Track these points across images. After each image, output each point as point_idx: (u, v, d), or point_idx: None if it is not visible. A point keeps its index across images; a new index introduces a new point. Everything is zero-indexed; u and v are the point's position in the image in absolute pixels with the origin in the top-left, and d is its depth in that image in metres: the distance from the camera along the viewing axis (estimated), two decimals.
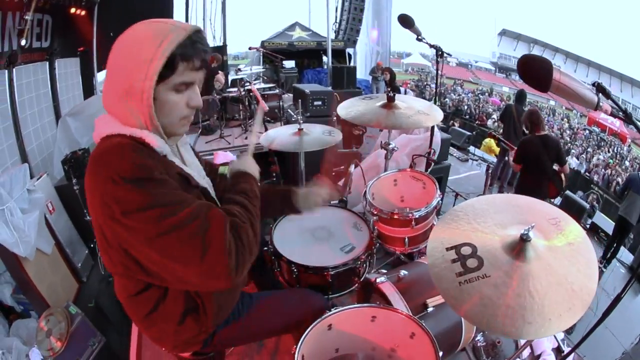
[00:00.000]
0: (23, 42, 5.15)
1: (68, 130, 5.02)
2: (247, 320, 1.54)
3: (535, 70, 1.08)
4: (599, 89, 1.06)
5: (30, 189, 3.55)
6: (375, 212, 2.25)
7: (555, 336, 2.41)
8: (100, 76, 7.82)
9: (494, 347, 2.39)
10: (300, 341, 1.42)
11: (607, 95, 1.07)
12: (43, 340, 2.77)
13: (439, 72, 2.77)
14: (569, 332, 3.67)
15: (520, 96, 6.71)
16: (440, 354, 1.59)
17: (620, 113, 1.08)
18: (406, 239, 2.27)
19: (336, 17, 15.75)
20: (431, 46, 2.54)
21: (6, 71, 4.94)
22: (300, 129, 2.60)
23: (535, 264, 1.23)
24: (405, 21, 2.40)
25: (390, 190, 2.60)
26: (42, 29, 5.78)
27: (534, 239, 1.26)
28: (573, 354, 2.38)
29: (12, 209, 3.18)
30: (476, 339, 2.04)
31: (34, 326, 2.98)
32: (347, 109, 2.45)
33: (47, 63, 6.17)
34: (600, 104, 1.07)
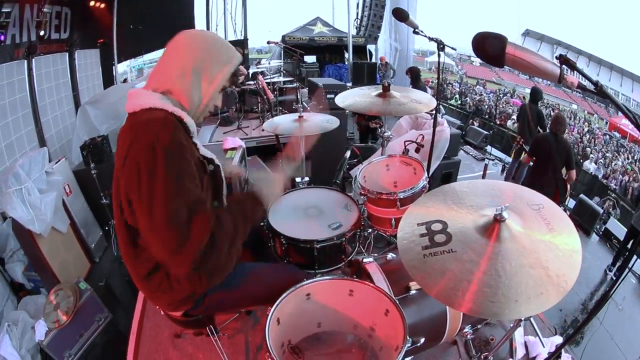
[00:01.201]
0: (42, 33, 5.33)
1: (87, 118, 5.19)
2: (237, 287, 1.66)
3: (488, 46, 1.07)
4: (563, 60, 1.02)
5: (49, 171, 3.72)
6: (362, 193, 2.33)
7: (541, 339, 2.38)
8: (121, 67, 8.02)
9: (486, 344, 2.38)
10: (276, 304, 1.51)
11: (572, 67, 1.03)
12: (50, 313, 2.90)
13: (441, 65, 2.78)
14: (571, 343, 3.64)
15: (535, 95, 6.61)
16: (422, 339, 1.64)
17: (590, 85, 1.02)
18: (393, 220, 2.33)
19: (357, 13, 15.74)
20: (430, 39, 2.53)
21: (25, 61, 5.12)
22: (300, 117, 2.70)
23: (508, 245, 1.23)
24: (400, 14, 2.42)
25: (383, 175, 2.67)
26: (61, 21, 5.97)
27: (509, 221, 1.27)
28: None
29: (30, 189, 3.34)
30: (464, 331, 2.02)
31: (42, 302, 3.10)
32: (345, 98, 2.52)
33: (67, 54, 6.36)
34: (565, 76, 1.04)
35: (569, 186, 4.68)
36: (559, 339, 2.49)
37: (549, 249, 1.23)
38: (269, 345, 1.33)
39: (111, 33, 7.50)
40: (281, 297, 1.54)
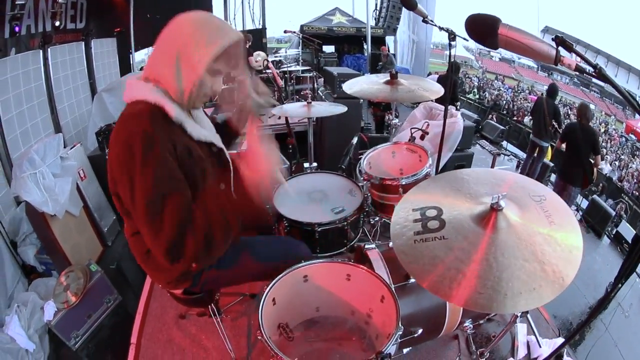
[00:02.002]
0: (57, 24, 5.42)
1: (103, 105, 5.30)
2: (233, 264, 1.70)
3: (480, 27, 1.05)
4: (559, 42, 0.98)
5: (64, 156, 3.78)
6: (366, 178, 2.34)
7: (537, 338, 2.35)
8: (139, 55, 8.12)
9: (487, 341, 2.36)
10: (272, 284, 1.53)
11: (570, 48, 0.99)
12: (60, 294, 2.96)
13: (455, 57, 2.74)
14: (573, 347, 3.59)
15: (552, 90, 6.53)
16: (420, 330, 1.64)
17: (589, 67, 0.97)
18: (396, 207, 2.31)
19: (376, 4, 15.64)
20: (441, 29, 2.49)
21: (40, 51, 5.19)
22: (309, 103, 2.78)
23: (503, 236, 1.18)
24: (408, 3, 2.38)
25: (389, 161, 2.69)
26: (77, 11, 6.03)
27: (507, 210, 1.22)
28: None
29: (44, 173, 3.40)
30: (465, 325, 2.00)
31: (53, 284, 3.16)
32: (352, 85, 2.53)
33: (83, 43, 6.43)
34: (561, 57, 1.00)
35: (595, 169, 5.15)
36: (562, 341, 2.41)
37: (547, 242, 1.17)
38: (261, 322, 1.34)
39: (128, 22, 7.56)
40: (277, 277, 1.55)
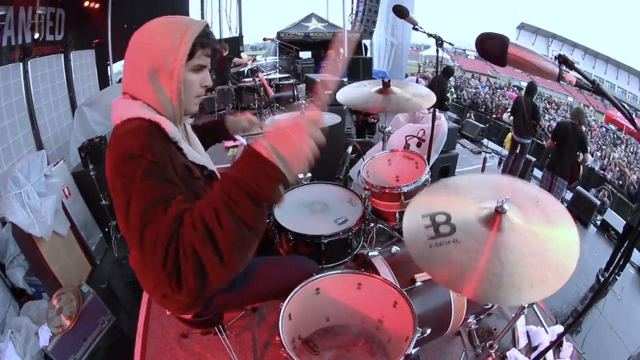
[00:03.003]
0: (36, 36, 5.36)
1: (84, 120, 5.19)
2: (244, 286, 1.66)
3: (491, 46, 1.10)
4: (561, 60, 1.06)
5: (47, 174, 3.68)
6: (367, 187, 2.35)
7: (545, 328, 2.41)
8: (116, 67, 8.01)
9: (489, 334, 2.42)
10: (287, 300, 1.53)
11: (571, 66, 1.06)
12: (53, 318, 2.88)
13: (439, 61, 2.79)
14: (572, 332, 3.70)
15: (530, 89, 6.65)
16: (429, 330, 1.65)
17: (587, 83, 1.06)
18: (397, 214, 2.36)
19: (352, 8, 15.73)
20: (429, 35, 2.53)
21: (20, 64, 5.13)
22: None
23: (509, 235, 1.26)
24: (400, 12, 2.43)
25: (385, 169, 2.70)
26: (55, 23, 5.97)
27: (510, 213, 1.30)
28: (572, 349, 2.39)
29: (29, 193, 3.31)
30: (468, 321, 2.04)
31: (44, 307, 3.09)
32: (346, 95, 2.53)
33: (62, 55, 6.36)
34: (563, 75, 1.07)
35: (582, 167, 5.53)
36: (560, 328, 2.54)
37: (548, 239, 1.27)
38: (283, 340, 1.34)
39: (106, 33, 7.51)
40: (292, 292, 1.56)
